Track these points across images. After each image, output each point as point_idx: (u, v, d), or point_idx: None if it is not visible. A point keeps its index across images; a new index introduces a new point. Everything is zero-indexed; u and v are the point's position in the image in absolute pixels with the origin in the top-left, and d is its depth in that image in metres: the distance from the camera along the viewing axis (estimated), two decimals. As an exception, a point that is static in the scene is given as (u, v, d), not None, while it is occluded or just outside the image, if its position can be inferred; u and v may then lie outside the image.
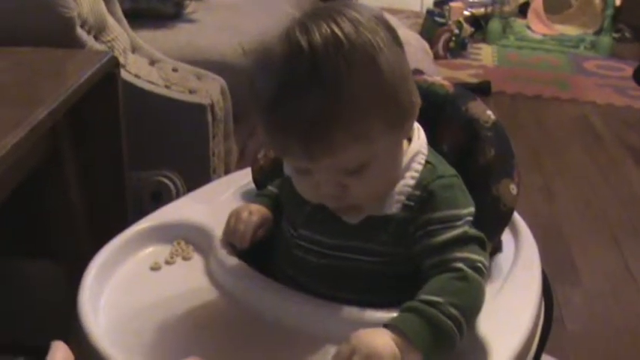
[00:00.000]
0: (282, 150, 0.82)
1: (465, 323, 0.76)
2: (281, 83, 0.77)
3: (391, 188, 0.85)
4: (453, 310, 0.75)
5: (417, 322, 0.74)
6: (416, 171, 0.86)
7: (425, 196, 0.84)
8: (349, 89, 0.75)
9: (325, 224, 0.87)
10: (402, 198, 0.85)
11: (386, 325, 0.74)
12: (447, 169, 0.88)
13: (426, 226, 0.83)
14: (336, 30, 0.76)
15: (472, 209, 0.86)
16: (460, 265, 0.80)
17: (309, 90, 0.75)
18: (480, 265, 0.81)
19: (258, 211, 0.95)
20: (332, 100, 0.75)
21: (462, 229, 0.83)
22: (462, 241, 0.82)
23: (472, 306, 0.79)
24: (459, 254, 0.81)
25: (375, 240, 0.86)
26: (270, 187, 1.00)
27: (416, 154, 0.87)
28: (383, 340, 0.72)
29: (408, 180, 0.85)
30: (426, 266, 0.82)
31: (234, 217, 0.94)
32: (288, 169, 0.89)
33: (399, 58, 0.80)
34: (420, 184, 0.85)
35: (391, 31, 0.80)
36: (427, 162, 0.87)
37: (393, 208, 0.85)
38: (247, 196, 1.06)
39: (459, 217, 0.84)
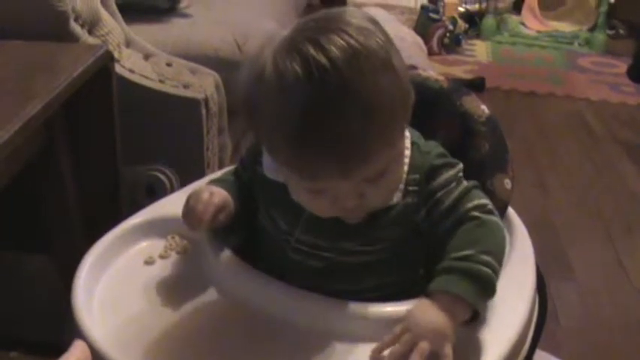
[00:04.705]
0: (314, 173, 0.77)
1: (498, 265, 0.79)
2: (309, 106, 0.72)
3: (399, 187, 0.85)
4: (486, 257, 0.78)
5: (459, 280, 0.76)
6: (406, 156, 0.86)
7: (423, 176, 0.85)
8: (378, 97, 0.74)
9: (325, 227, 0.85)
10: (401, 186, 0.85)
11: (430, 293, 0.76)
12: (425, 142, 0.89)
13: (432, 196, 0.85)
14: (350, 40, 0.73)
15: (460, 165, 0.88)
16: (474, 213, 0.83)
17: (343, 107, 0.72)
18: (489, 207, 0.85)
19: (219, 194, 0.90)
20: (366, 112, 0.73)
21: (461, 185, 0.85)
22: (465, 193, 0.85)
23: (498, 247, 0.82)
24: (468, 204, 0.84)
25: (376, 228, 0.85)
26: (229, 175, 0.96)
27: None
28: (436, 314, 0.74)
29: (404, 167, 0.86)
30: (443, 231, 0.84)
31: (194, 197, 0.89)
32: (295, 193, 0.83)
33: (400, 55, 0.79)
34: (415, 167, 0.86)
35: (384, 30, 0.79)
36: (412, 142, 0.87)
37: (395, 198, 0.85)
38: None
39: (455, 177, 0.86)
